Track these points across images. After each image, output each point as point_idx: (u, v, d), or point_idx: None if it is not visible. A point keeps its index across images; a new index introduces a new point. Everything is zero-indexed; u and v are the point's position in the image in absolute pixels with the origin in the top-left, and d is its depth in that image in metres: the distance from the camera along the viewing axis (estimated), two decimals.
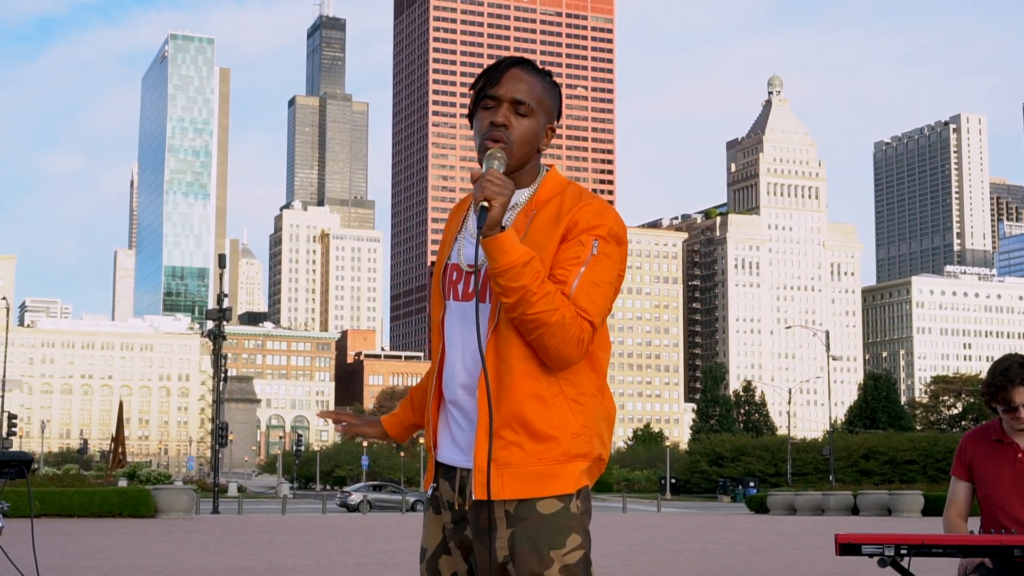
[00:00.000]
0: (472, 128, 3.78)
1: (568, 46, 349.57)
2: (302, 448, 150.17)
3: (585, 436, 3.54)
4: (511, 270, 3.34)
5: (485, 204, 3.37)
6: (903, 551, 4.74)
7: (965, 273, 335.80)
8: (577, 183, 3.71)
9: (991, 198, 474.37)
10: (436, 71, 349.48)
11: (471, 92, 3.77)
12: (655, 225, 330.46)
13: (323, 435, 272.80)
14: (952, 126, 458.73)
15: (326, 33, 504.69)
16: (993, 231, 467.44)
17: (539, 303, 3.36)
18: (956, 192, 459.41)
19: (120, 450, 67.45)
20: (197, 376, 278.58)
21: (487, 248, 3.36)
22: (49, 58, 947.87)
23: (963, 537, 4.94)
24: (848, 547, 4.84)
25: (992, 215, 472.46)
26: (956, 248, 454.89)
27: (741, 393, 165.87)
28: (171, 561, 19.58)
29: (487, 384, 3.40)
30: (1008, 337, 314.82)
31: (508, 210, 3.58)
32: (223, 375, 63.09)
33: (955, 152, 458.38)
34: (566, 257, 3.49)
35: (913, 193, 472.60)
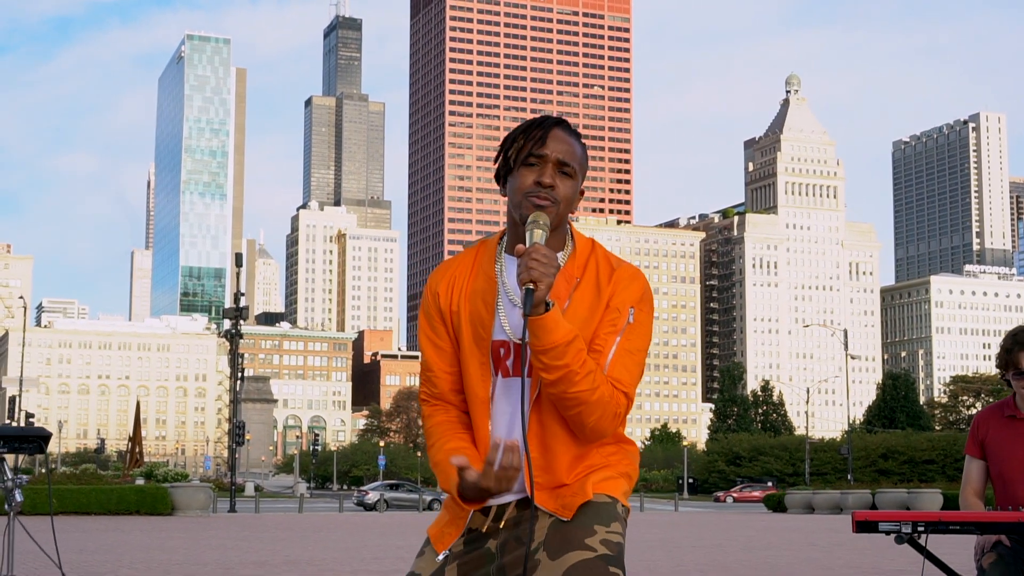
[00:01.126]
0: (503, 185, 3.68)
1: (585, 45, 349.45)
2: (319, 448, 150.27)
3: (624, 471, 3.60)
4: (555, 349, 3.32)
5: (531, 286, 3.29)
6: (920, 528, 4.71)
7: (984, 272, 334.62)
8: (595, 240, 3.70)
9: (1011, 197, 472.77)
10: (452, 71, 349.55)
11: (502, 149, 3.67)
12: (672, 225, 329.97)
13: (340, 435, 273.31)
14: (971, 125, 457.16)
15: (342, 33, 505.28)
16: (1013, 230, 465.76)
17: (581, 382, 3.34)
18: (975, 191, 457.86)
19: (137, 450, 67.60)
20: (214, 376, 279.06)
21: (532, 327, 3.32)
22: (65, 58, 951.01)
23: (980, 514, 4.88)
24: (865, 524, 4.80)
25: (1012, 214, 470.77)
26: (975, 247, 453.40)
27: (759, 393, 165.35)
28: (189, 555, 19.56)
29: (528, 463, 3.35)
30: None
31: None
32: (240, 375, 63.12)
33: (974, 151, 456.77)
34: (604, 326, 3.49)
35: (932, 192, 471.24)
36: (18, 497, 7.70)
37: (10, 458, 8.12)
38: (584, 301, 3.51)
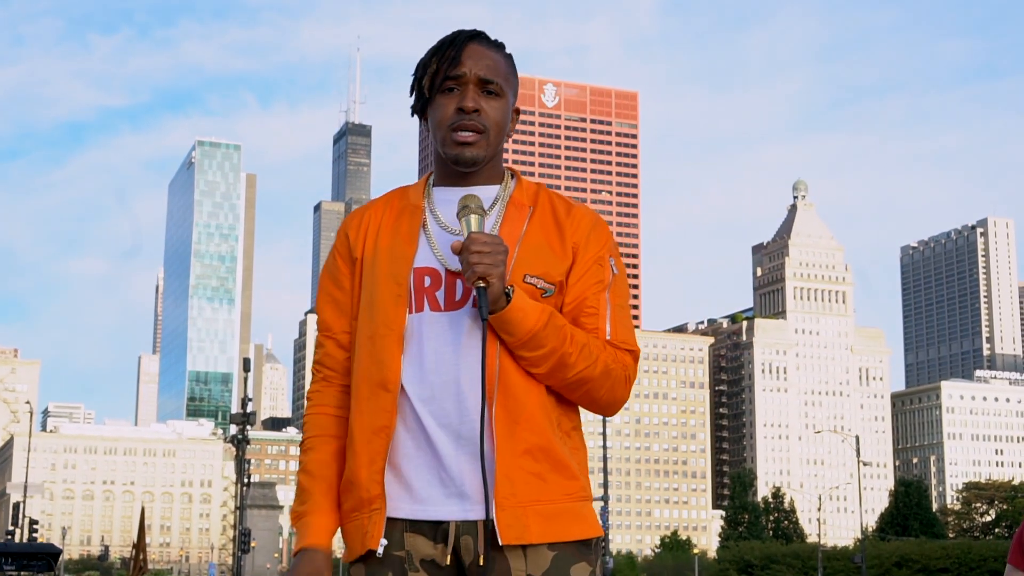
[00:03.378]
0: (425, 122, 3.18)
1: (592, 151, 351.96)
2: None
3: (586, 474, 3.05)
4: (532, 338, 2.88)
5: (481, 284, 2.83)
6: None
7: (995, 378, 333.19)
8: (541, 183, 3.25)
9: (1020, 302, 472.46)
10: None
11: (415, 78, 3.17)
12: (681, 330, 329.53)
13: None
14: (979, 230, 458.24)
15: (352, 139, 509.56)
16: (1023, 335, 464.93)
17: (578, 361, 2.93)
18: (984, 296, 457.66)
19: (142, 557, 66.31)
20: (220, 482, 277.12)
21: (499, 325, 2.87)
22: (77, 163, 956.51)
23: None
24: None
25: (1022, 319, 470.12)
26: (986, 352, 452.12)
27: (770, 499, 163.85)
28: None
29: (484, 405, 2.87)
30: None
31: (489, 206, 3.09)
32: (246, 481, 62.20)
33: (983, 256, 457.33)
34: (588, 283, 3.07)
35: (941, 297, 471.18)
36: None
37: None
38: (541, 233, 3.07)
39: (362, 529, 2.97)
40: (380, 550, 2.92)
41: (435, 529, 2.94)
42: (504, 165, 3.20)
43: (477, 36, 3.13)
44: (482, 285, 2.84)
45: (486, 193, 3.09)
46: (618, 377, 3.00)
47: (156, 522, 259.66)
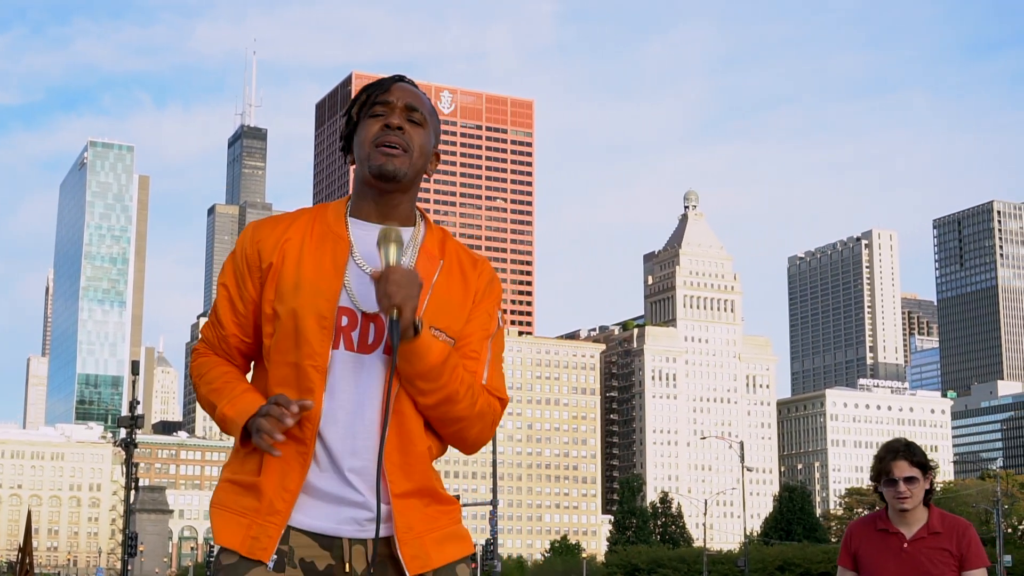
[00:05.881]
0: (351, 153, 3.38)
1: (488, 159, 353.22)
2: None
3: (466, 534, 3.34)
4: (430, 372, 3.03)
5: (395, 314, 2.96)
6: None
7: (878, 386, 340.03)
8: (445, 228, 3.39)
9: (903, 313, 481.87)
10: None
11: (345, 117, 3.42)
12: (573, 337, 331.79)
13: None
14: (864, 242, 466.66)
15: (247, 142, 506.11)
16: (905, 345, 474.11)
17: (462, 400, 3.09)
18: (868, 306, 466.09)
19: (28, 561, 66.47)
20: (109, 486, 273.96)
21: (403, 354, 3.00)
22: None
23: None
24: None
25: (904, 329, 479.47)
26: (869, 361, 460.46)
27: (658, 504, 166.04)
28: None
29: (383, 441, 3.04)
30: None
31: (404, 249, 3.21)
32: (134, 485, 62.46)
33: (867, 267, 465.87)
34: (476, 329, 3.21)
35: (827, 307, 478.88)
36: None
37: None
38: (451, 286, 3.21)
39: (252, 532, 3.10)
40: (271, 564, 3.08)
41: (326, 540, 3.12)
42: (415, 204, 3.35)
43: (404, 79, 3.34)
44: (395, 316, 2.95)
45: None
46: (487, 421, 3.17)
47: (44, 526, 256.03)
